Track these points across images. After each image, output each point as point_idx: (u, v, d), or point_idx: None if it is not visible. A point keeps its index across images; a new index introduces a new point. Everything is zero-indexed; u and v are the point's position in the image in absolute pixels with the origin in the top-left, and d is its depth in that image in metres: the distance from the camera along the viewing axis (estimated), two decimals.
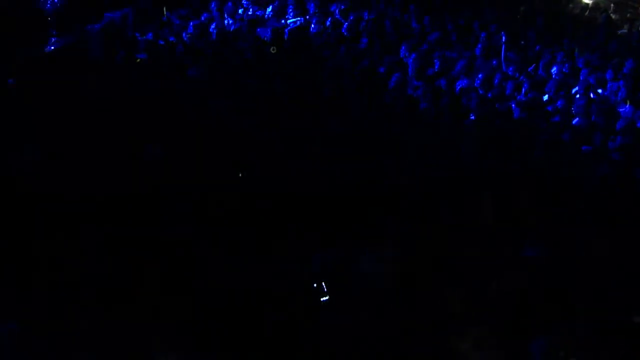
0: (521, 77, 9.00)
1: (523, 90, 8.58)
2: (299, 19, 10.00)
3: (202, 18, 10.38)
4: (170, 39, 9.48)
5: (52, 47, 9.17)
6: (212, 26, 9.91)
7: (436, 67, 9.06)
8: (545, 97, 8.50)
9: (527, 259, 5.08)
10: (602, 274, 4.85)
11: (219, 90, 7.84)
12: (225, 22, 10.32)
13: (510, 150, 6.93)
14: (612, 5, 11.92)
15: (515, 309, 4.62)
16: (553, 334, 4.36)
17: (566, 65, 9.27)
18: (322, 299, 4.66)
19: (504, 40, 9.51)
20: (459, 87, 8.49)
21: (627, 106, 8.12)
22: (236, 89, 7.77)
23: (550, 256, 5.09)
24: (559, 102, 8.21)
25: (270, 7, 10.80)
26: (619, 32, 10.90)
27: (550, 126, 7.71)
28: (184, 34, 9.78)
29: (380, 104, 7.74)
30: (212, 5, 10.68)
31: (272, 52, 8.43)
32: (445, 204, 5.73)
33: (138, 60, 8.56)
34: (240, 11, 10.80)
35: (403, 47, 9.46)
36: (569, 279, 4.84)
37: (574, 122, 7.74)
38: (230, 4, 10.74)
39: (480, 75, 8.76)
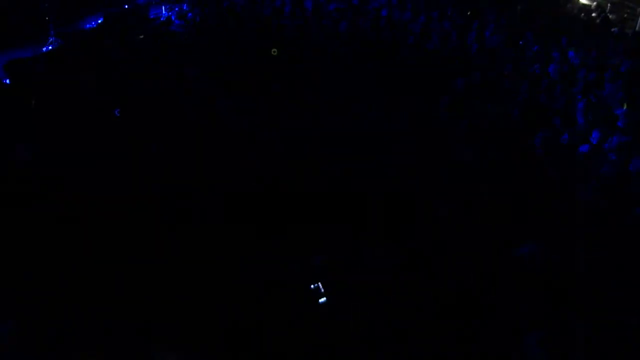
0: (519, 76, 9.02)
1: (521, 89, 8.60)
2: None
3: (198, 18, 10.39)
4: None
5: (51, 47, 9.17)
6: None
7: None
8: (542, 96, 8.52)
9: (525, 258, 5.09)
10: (601, 274, 4.86)
11: (219, 89, 7.84)
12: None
13: (509, 149, 6.94)
14: (609, 5, 11.95)
15: (514, 307, 4.63)
16: (551, 333, 4.38)
17: (564, 65, 9.30)
18: (321, 300, 4.66)
19: (502, 39, 9.54)
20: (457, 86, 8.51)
21: (624, 106, 8.14)
22: (236, 88, 7.78)
23: (549, 256, 5.10)
24: (556, 101, 8.22)
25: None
26: (614, 30, 10.91)
27: (549, 125, 7.72)
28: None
29: (379, 104, 7.74)
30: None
31: (273, 54, 8.43)
32: (444, 203, 5.74)
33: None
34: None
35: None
36: (568, 279, 4.85)
37: (572, 122, 7.75)
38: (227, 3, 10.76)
39: (477, 74, 8.79)
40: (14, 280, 4.59)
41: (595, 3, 12.10)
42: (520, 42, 10.19)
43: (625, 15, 11.78)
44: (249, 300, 4.55)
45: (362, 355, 4.32)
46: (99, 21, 9.98)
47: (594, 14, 11.70)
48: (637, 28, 11.48)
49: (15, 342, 4.13)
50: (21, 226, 5.09)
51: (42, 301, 4.39)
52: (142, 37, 9.66)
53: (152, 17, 10.69)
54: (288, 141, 6.56)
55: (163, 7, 10.83)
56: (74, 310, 4.36)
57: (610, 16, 11.55)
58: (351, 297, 4.70)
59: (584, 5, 12.22)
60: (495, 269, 4.96)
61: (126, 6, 10.65)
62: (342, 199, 5.56)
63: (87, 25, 9.57)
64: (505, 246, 5.18)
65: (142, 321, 4.34)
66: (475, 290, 4.74)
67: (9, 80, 8.04)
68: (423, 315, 4.56)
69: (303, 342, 4.33)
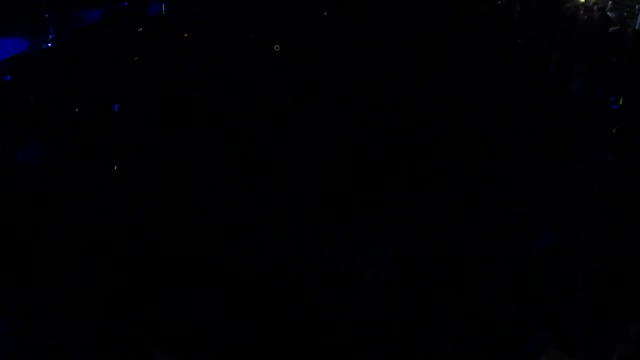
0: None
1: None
2: None
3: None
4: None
5: (50, 44, 9.15)
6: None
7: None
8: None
9: (526, 258, 5.11)
10: (602, 273, 4.88)
11: (218, 87, 7.82)
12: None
13: (510, 147, 6.94)
14: (609, 3, 11.95)
15: (515, 307, 4.66)
16: (553, 331, 4.40)
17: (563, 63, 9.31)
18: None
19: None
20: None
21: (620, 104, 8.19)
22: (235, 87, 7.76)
23: (549, 255, 5.13)
24: (555, 99, 8.24)
25: None
26: (613, 29, 10.91)
27: (547, 123, 7.72)
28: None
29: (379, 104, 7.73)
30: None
31: (276, 50, 8.42)
32: (445, 202, 5.75)
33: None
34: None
35: None
36: (569, 277, 4.86)
37: (570, 119, 7.75)
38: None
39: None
40: (15, 281, 4.60)
41: (594, 1, 12.10)
42: (519, 41, 10.19)
43: (625, 14, 11.78)
44: (247, 300, 4.56)
45: None
46: (98, 17, 9.95)
47: (593, 12, 11.70)
48: (636, 26, 11.49)
49: (16, 343, 4.14)
50: (21, 225, 5.10)
51: (43, 302, 4.40)
52: (141, 33, 9.63)
53: (151, 13, 10.64)
54: (287, 141, 6.56)
55: (163, 5, 10.78)
56: (74, 311, 4.37)
57: (610, 14, 11.53)
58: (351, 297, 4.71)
59: (584, 3, 12.21)
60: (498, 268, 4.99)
61: (125, 3, 10.61)
62: (342, 198, 5.58)
63: (87, 22, 9.55)
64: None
65: (142, 322, 4.35)
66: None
67: (10, 77, 8.03)
68: (424, 314, 4.58)
69: (303, 342, 4.35)
